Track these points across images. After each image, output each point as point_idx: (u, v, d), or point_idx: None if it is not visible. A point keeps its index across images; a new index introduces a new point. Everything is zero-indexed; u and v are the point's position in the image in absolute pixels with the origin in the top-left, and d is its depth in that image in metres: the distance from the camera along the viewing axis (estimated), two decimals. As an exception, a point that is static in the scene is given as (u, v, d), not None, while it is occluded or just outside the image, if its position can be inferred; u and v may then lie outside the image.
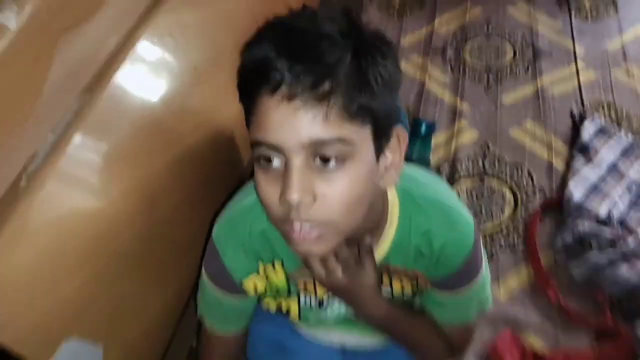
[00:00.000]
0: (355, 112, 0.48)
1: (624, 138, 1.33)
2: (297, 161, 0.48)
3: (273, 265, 0.68)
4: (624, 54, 1.61)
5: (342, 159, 0.49)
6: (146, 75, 0.90)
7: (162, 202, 0.91)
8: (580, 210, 1.14)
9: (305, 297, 0.71)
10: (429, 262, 0.66)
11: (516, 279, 1.07)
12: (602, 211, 1.15)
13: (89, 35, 0.79)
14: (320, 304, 0.72)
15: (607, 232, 1.08)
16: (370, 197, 0.55)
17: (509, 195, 1.22)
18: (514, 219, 1.17)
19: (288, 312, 0.73)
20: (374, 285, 0.65)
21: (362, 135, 0.49)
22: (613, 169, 1.26)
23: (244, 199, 0.68)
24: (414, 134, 1.31)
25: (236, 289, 0.70)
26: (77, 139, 0.73)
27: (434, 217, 0.64)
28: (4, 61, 0.62)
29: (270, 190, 0.51)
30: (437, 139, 1.34)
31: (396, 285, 0.70)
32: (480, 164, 1.29)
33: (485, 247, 1.12)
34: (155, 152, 0.90)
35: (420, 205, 0.64)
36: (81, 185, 0.75)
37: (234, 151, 1.17)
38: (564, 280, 1.06)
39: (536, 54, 1.60)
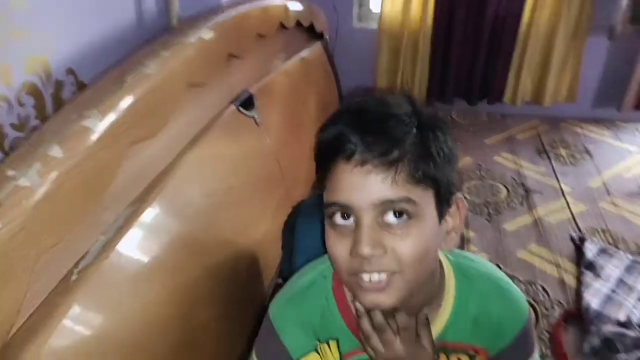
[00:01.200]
0: (420, 178, 0.55)
1: (624, 257, 1.41)
2: (368, 218, 0.56)
3: (328, 345, 0.68)
4: (607, 189, 1.78)
5: (408, 217, 0.56)
6: (188, 192, 1.01)
7: (198, 311, 0.94)
8: (600, 317, 1.16)
9: None
10: (487, 333, 0.68)
11: (552, 387, 1.04)
12: (621, 317, 1.17)
13: (148, 152, 0.92)
14: None
15: (631, 335, 1.09)
16: (434, 257, 0.60)
17: (528, 310, 1.24)
18: (539, 332, 1.18)
19: None
20: None
21: (425, 199, 0.57)
22: (621, 283, 1.31)
23: (300, 279, 0.72)
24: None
25: None
26: (125, 243, 0.80)
27: (488, 288, 0.67)
28: (86, 159, 0.72)
29: (341, 245, 0.57)
30: (450, 263, 1.40)
31: None
32: (495, 283, 1.33)
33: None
34: (192, 261, 0.96)
35: (474, 277, 0.68)
36: (124, 286, 0.79)
37: (256, 274, 1.21)
38: (600, 384, 1.03)
39: (527, 191, 1.76)
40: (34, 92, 0.90)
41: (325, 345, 0.68)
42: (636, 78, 2.26)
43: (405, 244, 0.56)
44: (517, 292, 0.69)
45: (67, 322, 0.68)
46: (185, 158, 1.02)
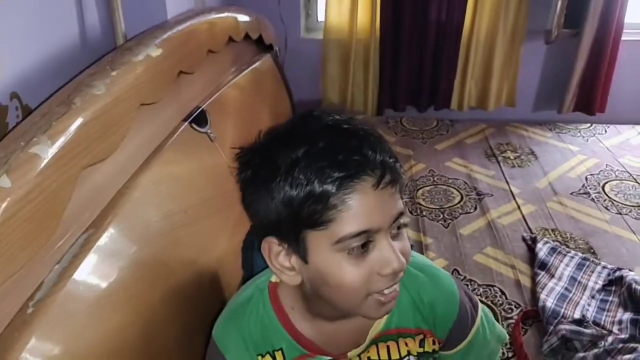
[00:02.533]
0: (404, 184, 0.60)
1: (574, 255, 1.47)
2: (387, 235, 0.58)
3: (272, 356, 0.69)
4: (553, 190, 1.86)
5: (403, 223, 0.60)
6: (145, 214, 0.98)
7: (157, 336, 0.92)
8: (556, 315, 1.20)
9: None
10: (426, 316, 0.71)
11: (516, 388, 1.07)
12: (576, 315, 1.22)
13: (101, 176, 0.88)
14: None
15: (587, 333, 1.14)
16: None
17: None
18: (499, 334, 1.21)
19: None
20: None
21: None
22: (574, 281, 1.37)
23: (238, 297, 0.73)
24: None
25: None
26: (81, 271, 0.77)
27: (420, 275, 0.71)
28: (36, 187, 0.68)
29: (360, 272, 0.58)
30: (410, 270, 1.42)
31: (402, 347, 0.72)
32: (455, 288, 1.36)
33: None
34: (151, 285, 0.93)
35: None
36: (84, 316, 0.76)
37: (218, 292, 1.19)
38: (561, 381, 1.07)
39: (479, 195, 1.82)
40: (-23, 119, 0.86)
41: (268, 357, 0.69)
42: (574, 80, 2.38)
43: (406, 248, 0.60)
44: (443, 272, 0.75)
45: (26, 356, 0.65)
46: (139, 180, 0.99)
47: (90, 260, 0.79)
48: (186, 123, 1.23)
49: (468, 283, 1.37)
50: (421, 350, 0.73)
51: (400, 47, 2.34)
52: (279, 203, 0.58)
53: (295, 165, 0.56)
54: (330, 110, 0.62)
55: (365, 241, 0.56)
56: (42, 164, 0.70)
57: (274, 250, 0.63)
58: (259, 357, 0.69)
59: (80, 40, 1.09)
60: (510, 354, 1.15)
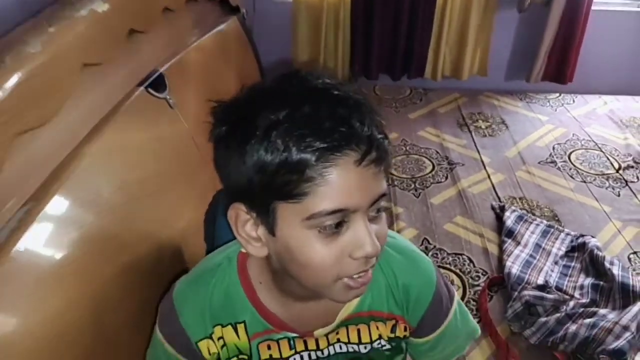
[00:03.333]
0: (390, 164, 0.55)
1: (540, 223, 1.48)
2: (365, 217, 0.53)
3: (234, 328, 0.66)
4: (522, 159, 1.86)
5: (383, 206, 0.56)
6: (95, 185, 0.91)
7: (111, 314, 0.86)
8: (521, 282, 1.21)
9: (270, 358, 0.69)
10: (400, 302, 0.69)
11: (480, 353, 1.08)
12: (540, 281, 1.23)
13: (41, 143, 0.81)
14: None
15: (549, 298, 1.15)
16: None
17: (457, 281, 1.27)
18: (466, 300, 1.21)
19: None
20: None
21: None
22: (538, 248, 1.38)
23: (207, 262, 0.70)
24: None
25: (191, 351, 0.67)
26: (20, 248, 0.71)
27: (396, 258, 0.68)
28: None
29: (330, 253, 0.53)
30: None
31: (373, 331, 0.69)
32: (423, 257, 1.35)
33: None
34: (103, 260, 0.88)
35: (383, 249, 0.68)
36: (23, 296, 0.71)
37: (181, 265, 1.14)
38: (523, 346, 1.09)
39: (451, 164, 1.80)
40: None
41: (230, 328, 0.67)
42: (543, 50, 2.36)
43: (383, 232, 0.56)
44: (423, 256, 0.71)
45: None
46: (88, 148, 0.92)
47: (31, 235, 0.73)
48: (142, 88, 1.15)
49: (437, 252, 1.37)
50: (392, 335, 0.71)
51: (373, 12, 2.28)
52: (250, 167, 0.52)
53: (274, 127, 0.50)
54: (319, 73, 0.56)
55: (339, 220, 0.52)
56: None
57: (241, 218, 0.58)
58: (219, 327, 0.66)
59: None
60: (475, 320, 1.15)
